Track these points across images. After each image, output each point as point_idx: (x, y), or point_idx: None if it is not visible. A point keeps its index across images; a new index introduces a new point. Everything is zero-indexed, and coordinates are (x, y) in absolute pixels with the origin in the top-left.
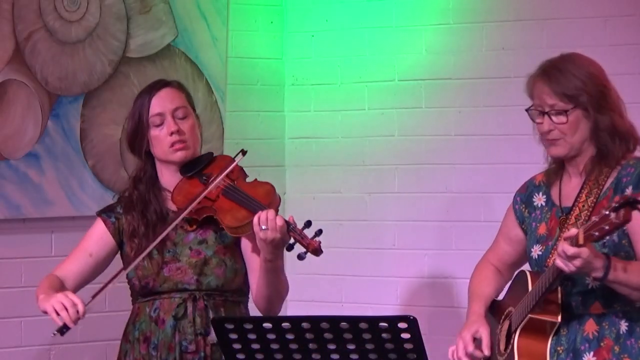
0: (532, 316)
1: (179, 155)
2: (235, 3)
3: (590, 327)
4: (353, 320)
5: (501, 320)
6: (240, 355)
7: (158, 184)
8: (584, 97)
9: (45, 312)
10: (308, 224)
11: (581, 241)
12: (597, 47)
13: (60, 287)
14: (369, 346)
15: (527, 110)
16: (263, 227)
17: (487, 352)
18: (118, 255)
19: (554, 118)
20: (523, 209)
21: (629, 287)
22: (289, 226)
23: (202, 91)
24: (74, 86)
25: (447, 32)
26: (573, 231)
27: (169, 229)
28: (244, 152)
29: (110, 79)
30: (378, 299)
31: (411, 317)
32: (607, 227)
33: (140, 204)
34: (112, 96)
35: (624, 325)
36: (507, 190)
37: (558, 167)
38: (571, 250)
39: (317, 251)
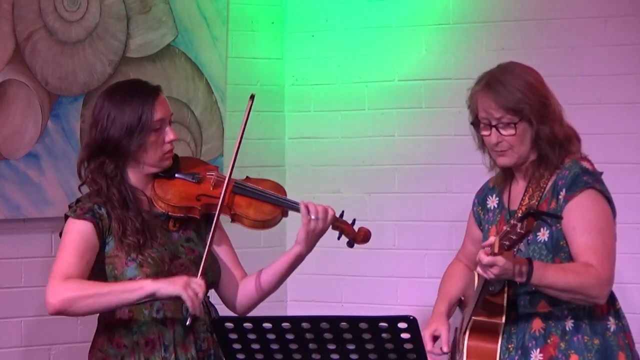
0: (476, 318)
1: (169, 163)
2: (235, 3)
3: (537, 324)
4: (353, 320)
5: (462, 320)
6: (240, 355)
7: (129, 183)
8: (527, 109)
9: (169, 296)
10: (342, 214)
11: (496, 250)
12: (597, 47)
13: None
14: (369, 346)
15: (471, 123)
16: (313, 217)
17: (445, 348)
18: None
19: (502, 130)
20: (479, 211)
21: (555, 289)
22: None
23: (202, 91)
24: (74, 86)
25: (447, 32)
26: (491, 239)
27: (215, 221)
28: (252, 97)
29: (110, 79)
30: (378, 299)
31: (411, 317)
32: (514, 237)
33: (121, 203)
34: None
35: (569, 322)
36: None
37: (506, 173)
38: (485, 259)
39: (368, 237)
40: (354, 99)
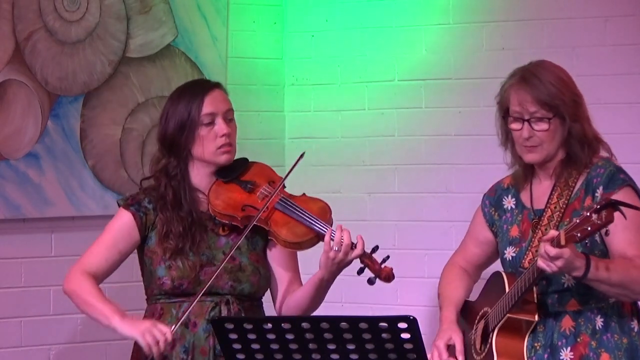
0: (511, 316)
1: (225, 158)
2: (235, 3)
3: (566, 323)
4: (353, 320)
5: (476, 321)
6: (240, 355)
7: (190, 183)
8: (561, 106)
9: (131, 338)
10: (376, 248)
11: (563, 242)
12: (597, 47)
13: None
14: (369, 346)
15: (503, 117)
16: (335, 248)
17: (460, 358)
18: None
19: (534, 125)
20: (493, 212)
21: (607, 284)
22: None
23: None
24: (74, 86)
25: (447, 32)
26: (553, 233)
27: (240, 241)
28: (302, 156)
29: (110, 79)
30: (378, 299)
31: (411, 317)
32: (589, 228)
33: (173, 203)
34: (112, 96)
35: (599, 321)
36: None
37: (527, 171)
38: (553, 251)
39: (390, 277)
40: (354, 99)
